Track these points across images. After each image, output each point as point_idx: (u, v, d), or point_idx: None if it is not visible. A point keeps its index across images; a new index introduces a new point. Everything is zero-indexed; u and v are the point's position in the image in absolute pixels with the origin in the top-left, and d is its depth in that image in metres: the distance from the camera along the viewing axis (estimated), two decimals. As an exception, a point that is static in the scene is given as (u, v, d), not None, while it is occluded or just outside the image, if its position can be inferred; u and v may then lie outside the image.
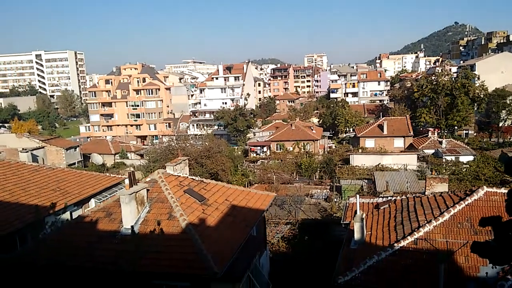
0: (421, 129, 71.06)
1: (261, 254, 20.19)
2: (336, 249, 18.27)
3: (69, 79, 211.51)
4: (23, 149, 27.75)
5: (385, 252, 14.43)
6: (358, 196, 19.02)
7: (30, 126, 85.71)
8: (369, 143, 61.80)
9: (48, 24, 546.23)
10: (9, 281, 10.93)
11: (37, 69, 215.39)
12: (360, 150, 57.72)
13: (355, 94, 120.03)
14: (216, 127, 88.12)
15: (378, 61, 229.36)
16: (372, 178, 40.94)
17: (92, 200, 23.40)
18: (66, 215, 20.32)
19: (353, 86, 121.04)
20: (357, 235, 15.96)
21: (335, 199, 38.31)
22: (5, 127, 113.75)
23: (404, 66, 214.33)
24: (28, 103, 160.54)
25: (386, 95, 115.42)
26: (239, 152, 64.90)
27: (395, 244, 14.72)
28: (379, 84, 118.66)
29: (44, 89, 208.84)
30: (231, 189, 19.95)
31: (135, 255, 12.16)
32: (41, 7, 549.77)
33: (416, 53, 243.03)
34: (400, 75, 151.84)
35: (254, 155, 65.51)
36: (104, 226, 15.74)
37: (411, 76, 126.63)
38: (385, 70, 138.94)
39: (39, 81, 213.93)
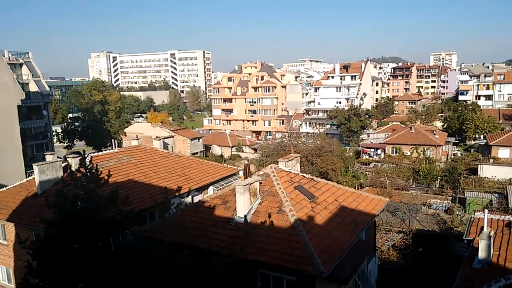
0: None
1: (369, 259, 19.54)
2: (454, 266, 16.72)
3: (197, 76, 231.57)
4: (156, 137, 31.52)
5: (516, 277, 12.69)
6: (486, 210, 17.00)
7: (162, 117, 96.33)
8: (503, 152, 54.32)
9: (181, 25, 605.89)
10: (141, 252, 12.59)
11: (171, 66, 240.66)
12: (491, 160, 51.18)
13: (489, 97, 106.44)
14: (328, 126, 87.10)
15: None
16: (504, 193, 36.13)
17: (211, 187, 25.43)
18: (189, 199, 22.47)
19: (487, 88, 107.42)
20: (482, 254, 14.35)
21: (457, 212, 34.85)
22: (142, 117, 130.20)
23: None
24: (162, 96, 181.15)
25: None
26: (351, 153, 63.22)
27: (530, 270, 12.84)
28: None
29: (176, 85, 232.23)
30: (341, 190, 19.68)
31: (247, 243, 12.93)
32: (176, 10, 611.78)
33: None
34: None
35: (367, 157, 63.12)
36: (220, 212, 17.03)
37: None
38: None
39: (172, 77, 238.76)
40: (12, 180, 27.54)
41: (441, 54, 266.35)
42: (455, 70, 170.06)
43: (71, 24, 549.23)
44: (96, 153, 25.10)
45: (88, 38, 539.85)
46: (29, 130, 53.15)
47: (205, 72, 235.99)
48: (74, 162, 20.77)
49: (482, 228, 15.33)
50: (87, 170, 12.28)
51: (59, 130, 71.18)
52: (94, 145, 69.42)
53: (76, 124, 71.86)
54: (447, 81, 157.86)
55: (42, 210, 12.73)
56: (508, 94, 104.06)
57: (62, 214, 11.52)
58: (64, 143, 70.34)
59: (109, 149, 30.86)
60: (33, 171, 21.81)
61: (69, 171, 20.18)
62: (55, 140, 63.89)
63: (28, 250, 11.40)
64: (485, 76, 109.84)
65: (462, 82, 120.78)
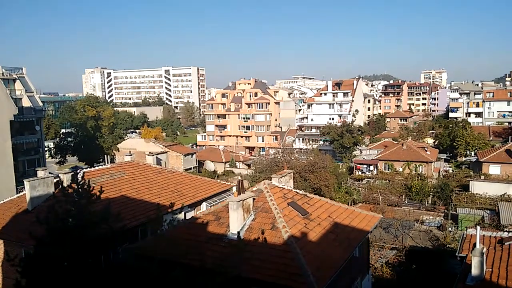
0: None
1: (362, 277, 19.48)
2: (447, 283, 16.69)
3: (191, 92, 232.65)
4: (150, 152, 31.35)
5: (508, 294, 12.72)
6: (478, 227, 17.10)
7: (156, 133, 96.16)
8: (494, 169, 54.91)
9: (175, 42, 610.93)
10: (132, 269, 12.44)
11: (165, 82, 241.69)
12: (482, 177, 51.67)
13: (478, 115, 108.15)
14: (321, 142, 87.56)
15: (508, 78, 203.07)
16: (495, 209, 36.38)
17: (204, 204, 25.28)
18: (181, 215, 22.32)
19: (477, 106, 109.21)
20: (474, 271, 14.37)
21: (450, 228, 34.97)
22: (136, 132, 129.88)
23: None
24: (156, 112, 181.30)
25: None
26: (344, 169, 63.41)
27: (522, 287, 12.88)
28: (508, 105, 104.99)
29: (170, 101, 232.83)
30: (335, 206, 19.69)
31: (240, 260, 12.82)
32: (171, 27, 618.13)
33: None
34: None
35: (360, 173, 63.34)
36: (213, 229, 16.91)
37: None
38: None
39: (166, 93, 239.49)
40: (2, 196, 27.18)
41: (431, 72, 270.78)
42: (445, 87, 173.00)
43: (66, 40, 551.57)
44: (88, 169, 24.92)
45: (82, 54, 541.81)
46: (21, 145, 52.71)
47: (199, 88, 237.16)
48: (66, 178, 20.58)
49: (474, 245, 15.39)
50: (79, 186, 12.21)
51: (51, 145, 70.63)
52: (86, 160, 68.89)
53: (69, 139, 71.44)
54: (437, 98, 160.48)
55: (32, 227, 12.54)
56: (497, 111, 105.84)
57: (53, 230, 11.40)
58: (56, 158, 69.75)
59: (102, 165, 30.64)
60: (24, 187, 21.57)
61: (60, 187, 19.98)
62: (47, 155, 63.37)
63: (17, 267, 11.22)
64: (474, 94, 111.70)
65: (452, 99, 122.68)
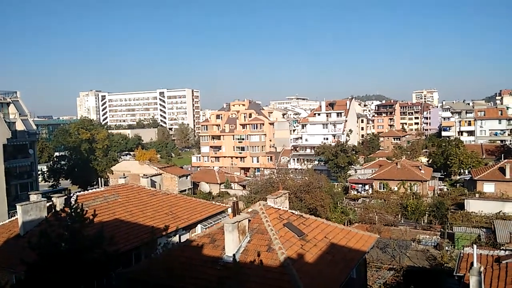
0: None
1: (360, 298, 19.20)
2: (446, 303, 16.50)
3: (186, 114, 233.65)
4: (144, 175, 31.11)
5: (507, 314, 12.58)
6: (475, 246, 17.04)
7: (151, 155, 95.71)
8: (488, 187, 55.17)
9: (170, 65, 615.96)
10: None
11: (160, 104, 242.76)
12: (477, 195, 51.82)
13: (471, 133, 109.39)
14: (316, 162, 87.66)
15: (498, 97, 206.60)
16: (491, 227, 36.36)
17: (199, 226, 25.00)
18: (176, 238, 22.02)
19: (469, 124, 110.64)
20: (472, 290, 14.24)
21: (447, 248, 34.78)
22: (130, 154, 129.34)
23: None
24: (150, 134, 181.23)
25: (508, 134, 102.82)
26: (339, 189, 63.35)
27: (521, 306, 12.76)
28: (500, 123, 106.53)
29: (164, 122, 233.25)
30: (331, 227, 19.57)
31: (235, 283, 12.63)
32: (166, 50, 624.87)
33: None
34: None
35: (355, 192, 63.27)
36: (208, 251, 16.68)
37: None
38: (507, 108, 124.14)
39: (161, 115, 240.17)
40: (-7, 221, 26.71)
41: (422, 92, 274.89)
42: (437, 107, 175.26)
43: (60, 63, 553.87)
44: (81, 192, 24.67)
45: (77, 77, 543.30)
46: (14, 169, 52.20)
47: (193, 110, 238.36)
48: (59, 202, 20.34)
49: (472, 263, 15.30)
50: (72, 210, 12.10)
51: (44, 169, 70.03)
52: (80, 183, 68.24)
53: (62, 162, 70.93)
54: (429, 117, 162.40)
55: (24, 252, 12.32)
56: (489, 129, 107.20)
57: (45, 256, 11.21)
58: (49, 182, 69.03)
59: (96, 188, 30.39)
60: (16, 211, 21.27)
61: (53, 211, 19.71)
62: (40, 179, 62.76)
63: (8, 294, 10.98)
64: (466, 113, 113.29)
65: (444, 118, 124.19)
